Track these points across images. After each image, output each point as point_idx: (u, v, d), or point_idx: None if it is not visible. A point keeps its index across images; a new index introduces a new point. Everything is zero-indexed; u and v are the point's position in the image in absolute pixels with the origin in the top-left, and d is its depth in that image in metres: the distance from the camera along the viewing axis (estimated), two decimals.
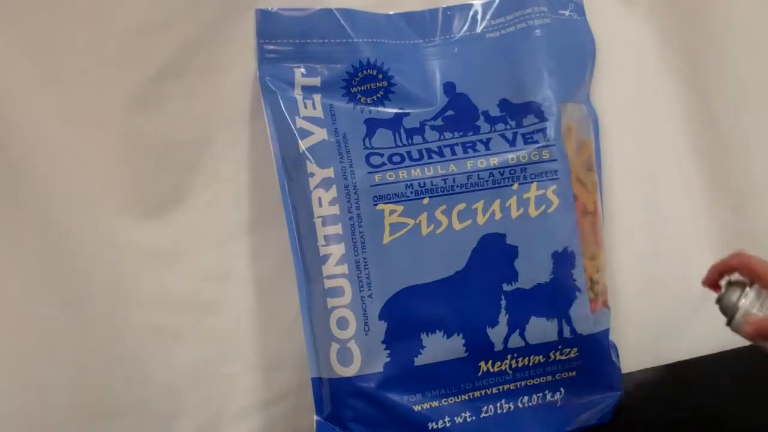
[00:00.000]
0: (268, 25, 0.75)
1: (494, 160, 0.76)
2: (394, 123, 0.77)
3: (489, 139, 0.77)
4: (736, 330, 0.65)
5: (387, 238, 0.74)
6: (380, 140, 0.76)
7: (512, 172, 0.76)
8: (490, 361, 0.76)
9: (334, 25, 0.76)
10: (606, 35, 0.85)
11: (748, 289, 0.64)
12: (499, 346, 0.75)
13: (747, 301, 0.63)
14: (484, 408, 0.76)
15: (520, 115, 0.78)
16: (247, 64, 0.76)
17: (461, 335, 0.75)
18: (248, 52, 0.76)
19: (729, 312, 0.65)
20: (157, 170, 0.76)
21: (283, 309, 0.79)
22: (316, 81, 0.76)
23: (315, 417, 0.74)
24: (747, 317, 0.63)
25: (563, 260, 0.77)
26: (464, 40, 0.81)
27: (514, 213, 0.76)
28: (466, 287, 0.75)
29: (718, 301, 0.66)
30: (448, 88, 0.79)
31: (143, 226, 0.75)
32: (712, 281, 0.68)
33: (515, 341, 0.76)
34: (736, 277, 0.66)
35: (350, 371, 0.72)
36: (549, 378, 0.78)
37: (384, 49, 0.78)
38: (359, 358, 0.72)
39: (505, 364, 0.76)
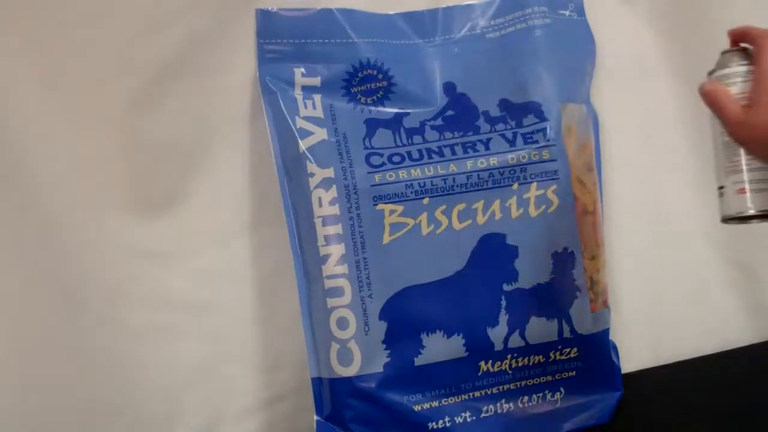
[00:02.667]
0: (268, 25, 0.75)
1: (494, 160, 0.76)
2: (394, 123, 0.77)
3: (489, 139, 0.77)
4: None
5: (387, 238, 0.74)
6: (380, 140, 0.76)
7: (512, 172, 0.76)
8: (490, 361, 0.76)
9: (334, 25, 0.76)
10: (606, 35, 0.85)
11: (745, 65, 0.62)
12: (499, 346, 0.75)
13: (735, 70, 0.62)
14: (484, 408, 0.76)
15: (520, 115, 0.78)
16: (247, 64, 0.76)
17: (461, 335, 0.75)
18: (248, 52, 0.76)
19: (718, 65, 0.64)
20: (156, 170, 0.76)
21: (283, 309, 0.79)
22: (316, 81, 0.76)
23: (315, 417, 0.74)
24: (720, 80, 0.62)
25: (563, 260, 0.77)
26: (464, 40, 0.81)
27: (514, 213, 0.76)
28: (466, 287, 0.75)
29: (724, 52, 0.65)
30: (449, 88, 0.79)
31: (143, 226, 0.75)
32: (735, 37, 0.66)
33: (515, 341, 0.76)
34: (752, 50, 0.63)
35: (350, 371, 0.72)
36: (549, 378, 0.78)
37: (384, 49, 0.78)
38: (359, 358, 0.72)
39: (505, 364, 0.76)
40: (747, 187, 0.60)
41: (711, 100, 0.61)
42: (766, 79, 0.58)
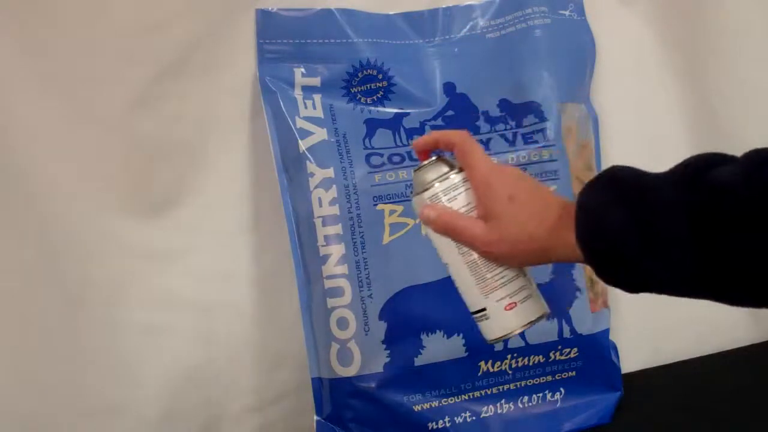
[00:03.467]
0: (268, 25, 0.75)
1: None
2: (394, 123, 0.77)
3: (489, 139, 0.77)
4: (415, 208, 0.56)
5: (387, 238, 0.74)
6: (380, 140, 0.76)
7: None
8: (490, 361, 0.76)
9: (334, 25, 0.76)
10: (606, 35, 0.85)
11: (453, 174, 0.54)
12: (499, 346, 0.75)
13: (443, 185, 0.53)
14: (484, 408, 0.76)
15: (520, 115, 0.78)
16: (247, 64, 0.76)
17: (461, 335, 0.75)
18: (248, 52, 0.75)
19: (419, 187, 0.55)
20: (157, 170, 0.76)
21: (283, 309, 0.79)
22: (316, 81, 0.76)
23: (315, 417, 0.74)
24: (434, 201, 0.54)
25: None
26: (464, 40, 0.81)
27: None
28: None
29: (420, 168, 0.55)
30: (448, 88, 0.79)
31: (143, 225, 0.75)
32: (423, 147, 0.57)
33: (515, 341, 0.76)
34: (450, 156, 0.55)
35: (350, 371, 0.72)
36: (549, 378, 0.78)
37: (384, 49, 0.78)
38: (359, 358, 0.72)
39: (505, 364, 0.76)
40: (513, 300, 0.53)
41: (443, 225, 0.53)
42: (491, 185, 0.51)
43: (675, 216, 0.42)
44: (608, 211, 0.45)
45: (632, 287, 0.46)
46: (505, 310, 0.53)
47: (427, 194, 0.54)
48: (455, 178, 0.54)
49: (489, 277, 0.53)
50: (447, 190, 0.54)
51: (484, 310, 0.54)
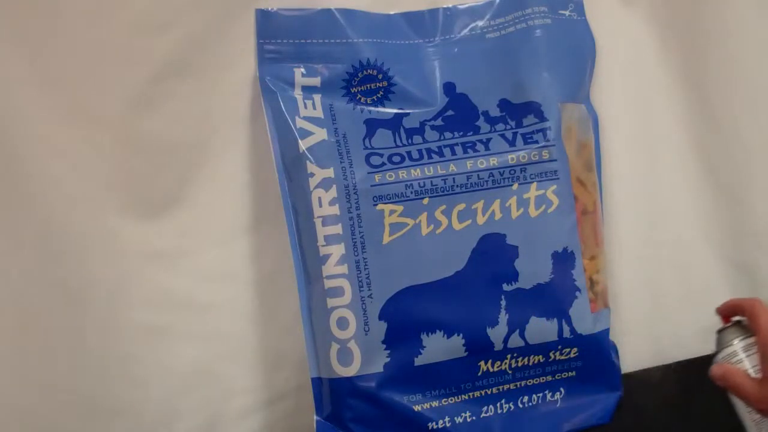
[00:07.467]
0: (268, 25, 0.75)
1: (494, 160, 0.76)
2: (394, 123, 0.77)
3: (489, 139, 0.77)
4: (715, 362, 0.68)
5: (387, 238, 0.74)
6: (380, 140, 0.76)
7: (512, 172, 0.76)
8: (490, 361, 0.76)
9: (334, 25, 0.76)
10: (606, 35, 0.85)
11: (745, 337, 0.66)
12: (499, 346, 0.75)
13: (738, 345, 0.66)
14: (484, 408, 0.76)
15: (520, 115, 0.78)
16: (247, 64, 0.76)
17: (461, 335, 0.75)
18: (248, 52, 0.76)
19: (722, 344, 0.68)
20: (157, 170, 0.76)
21: (283, 309, 0.79)
22: (316, 81, 0.76)
23: (315, 417, 0.74)
24: (727, 359, 0.66)
25: (563, 260, 0.77)
26: (464, 40, 0.81)
27: (514, 213, 0.76)
28: (466, 287, 0.75)
29: (720, 331, 0.69)
30: (448, 88, 0.79)
31: (143, 226, 0.75)
32: (725, 313, 0.70)
33: (515, 341, 0.76)
34: (747, 321, 0.67)
35: (350, 371, 0.72)
36: (549, 378, 0.78)
37: (384, 49, 0.78)
38: (359, 358, 0.72)
39: (505, 363, 0.76)
40: None
41: (727, 383, 0.63)
42: None
43: None
44: None
45: None
46: None
47: (722, 353, 0.67)
48: (747, 342, 0.65)
49: None
50: (738, 351, 0.65)
51: None
